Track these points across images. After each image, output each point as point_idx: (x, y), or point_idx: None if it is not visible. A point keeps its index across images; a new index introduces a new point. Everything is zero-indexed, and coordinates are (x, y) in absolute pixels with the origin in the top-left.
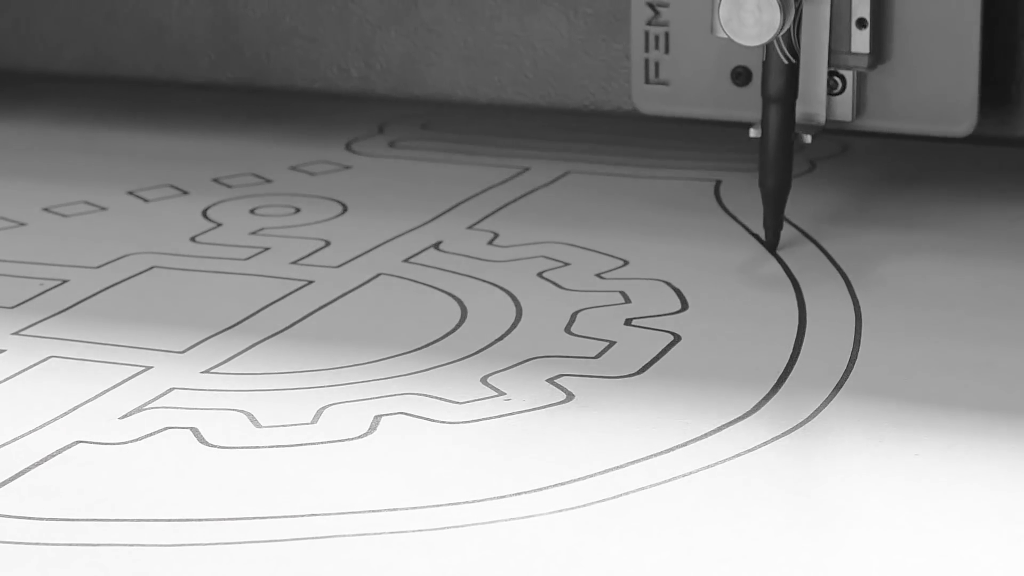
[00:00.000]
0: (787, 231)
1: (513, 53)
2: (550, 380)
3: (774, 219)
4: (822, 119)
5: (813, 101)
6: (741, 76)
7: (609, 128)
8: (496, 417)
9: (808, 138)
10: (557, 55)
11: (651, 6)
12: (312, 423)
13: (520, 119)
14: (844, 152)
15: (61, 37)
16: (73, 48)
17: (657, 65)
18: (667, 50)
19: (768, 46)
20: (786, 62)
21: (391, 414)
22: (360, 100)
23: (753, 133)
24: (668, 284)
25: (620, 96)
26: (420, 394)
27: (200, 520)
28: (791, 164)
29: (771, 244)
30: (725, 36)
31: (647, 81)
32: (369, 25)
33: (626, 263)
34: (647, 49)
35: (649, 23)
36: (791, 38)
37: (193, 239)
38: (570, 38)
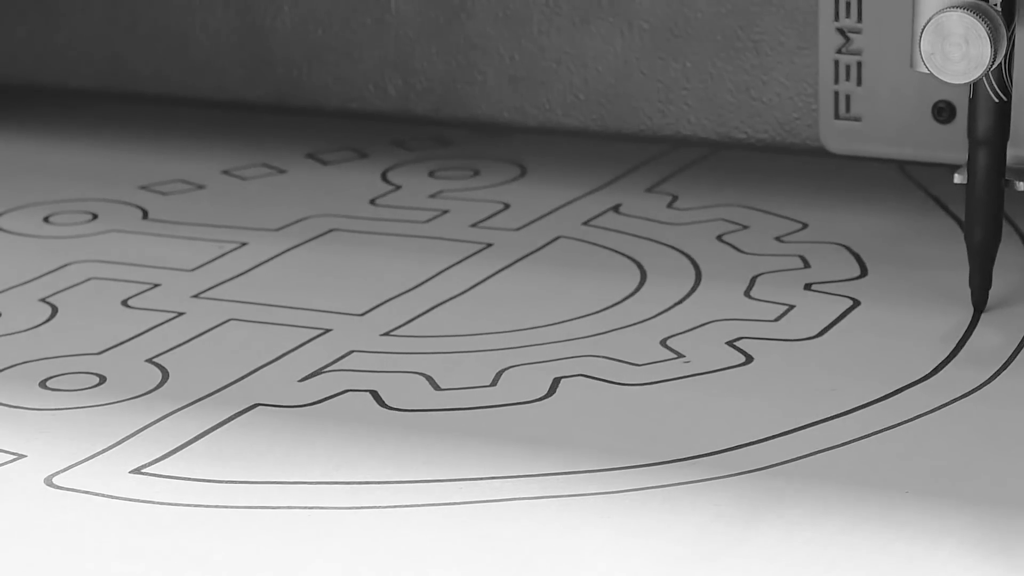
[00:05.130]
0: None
1: (563, 72)
2: (729, 343)
3: (981, 276)
4: None
5: None
6: (944, 112)
7: None
8: (675, 379)
9: (1021, 185)
10: (610, 75)
11: (841, 32)
12: (491, 386)
13: None
14: None
15: (79, 50)
16: (92, 62)
17: (848, 99)
18: (860, 82)
19: (976, 83)
20: (996, 100)
21: (570, 376)
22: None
23: (958, 179)
24: (848, 249)
25: (679, 120)
26: (599, 356)
27: (379, 483)
28: (1001, 214)
29: (978, 304)
30: (927, 72)
31: (837, 116)
32: (408, 40)
33: (805, 226)
34: (837, 80)
35: (839, 51)
36: (1002, 73)
37: (372, 202)
38: (624, 56)
